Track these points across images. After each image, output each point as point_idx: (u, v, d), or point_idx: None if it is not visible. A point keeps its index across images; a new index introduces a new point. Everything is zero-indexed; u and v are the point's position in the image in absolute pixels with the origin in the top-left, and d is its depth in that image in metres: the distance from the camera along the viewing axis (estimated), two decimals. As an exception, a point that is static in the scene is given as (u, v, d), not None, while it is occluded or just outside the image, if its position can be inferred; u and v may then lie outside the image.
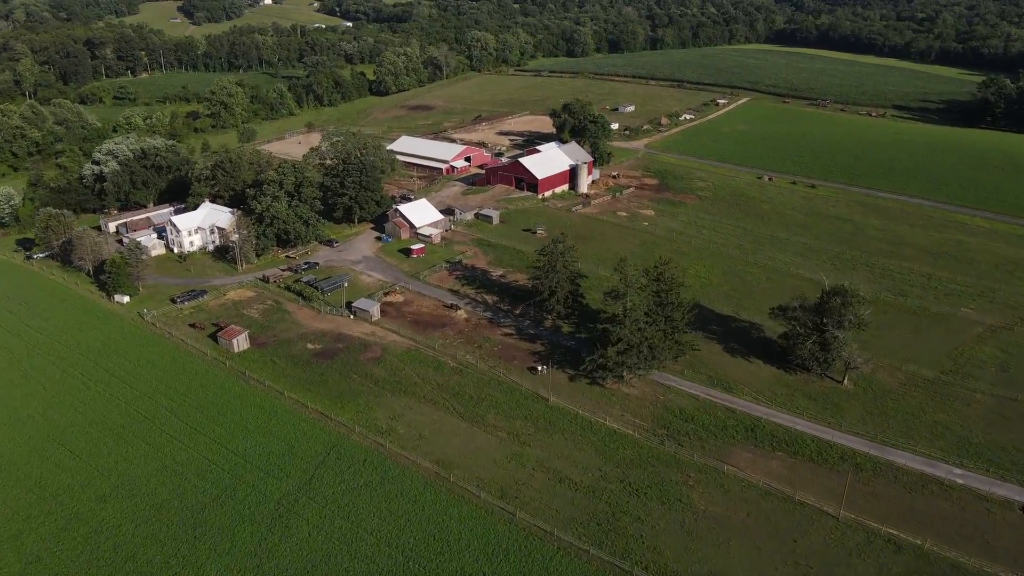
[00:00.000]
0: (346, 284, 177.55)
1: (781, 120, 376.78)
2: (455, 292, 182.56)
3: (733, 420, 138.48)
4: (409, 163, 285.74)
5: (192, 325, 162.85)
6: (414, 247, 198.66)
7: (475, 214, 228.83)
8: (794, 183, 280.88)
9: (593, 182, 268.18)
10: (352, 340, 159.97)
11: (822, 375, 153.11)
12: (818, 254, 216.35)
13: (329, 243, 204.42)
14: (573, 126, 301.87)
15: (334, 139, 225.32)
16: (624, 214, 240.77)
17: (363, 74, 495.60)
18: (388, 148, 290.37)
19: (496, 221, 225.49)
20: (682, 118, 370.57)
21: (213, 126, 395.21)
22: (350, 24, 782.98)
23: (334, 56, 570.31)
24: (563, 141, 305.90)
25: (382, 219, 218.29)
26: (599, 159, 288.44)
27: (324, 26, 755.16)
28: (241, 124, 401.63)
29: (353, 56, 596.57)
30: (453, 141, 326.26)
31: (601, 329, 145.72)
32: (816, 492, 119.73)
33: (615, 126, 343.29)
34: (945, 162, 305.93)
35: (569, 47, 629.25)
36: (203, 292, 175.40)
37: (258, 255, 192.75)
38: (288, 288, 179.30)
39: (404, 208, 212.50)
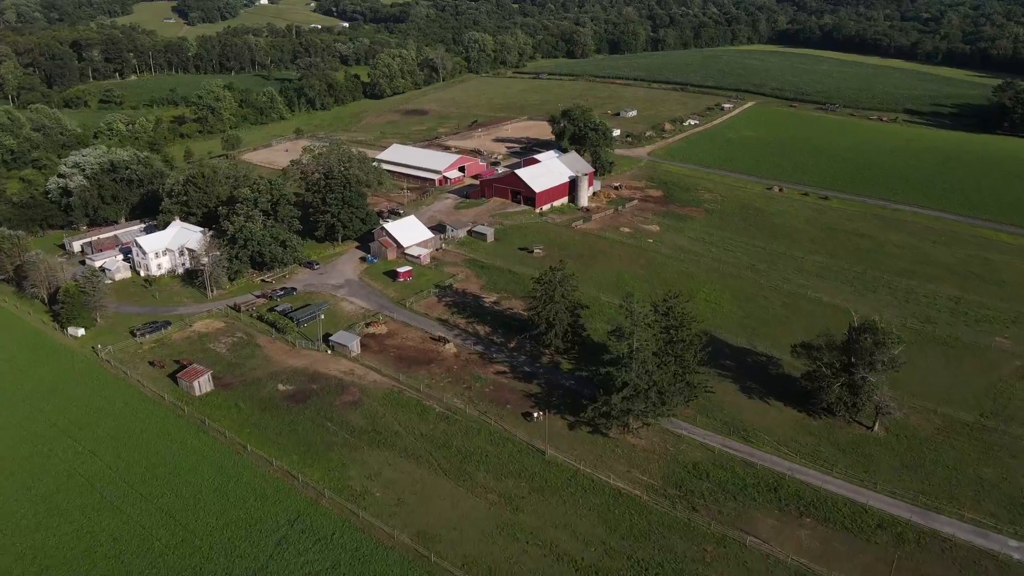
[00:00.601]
0: (321, 316, 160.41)
1: (789, 126, 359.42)
2: (444, 322, 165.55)
3: (753, 477, 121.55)
4: (400, 173, 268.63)
5: (152, 363, 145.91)
6: (400, 270, 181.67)
7: (468, 231, 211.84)
8: (805, 194, 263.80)
9: (594, 194, 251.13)
10: (328, 380, 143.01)
11: (850, 420, 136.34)
12: (836, 275, 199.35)
13: (310, 265, 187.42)
14: (573, 133, 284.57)
15: (316, 151, 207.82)
16: (627, 230, 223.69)
17: (357, 76, 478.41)
18: (378, 157, 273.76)
19: (490, 239, 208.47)
20: (687, 123, 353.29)
21: (200, 131, 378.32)
22: (347, 24, 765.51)
23: (329, 58, 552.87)
24: (562, 149, 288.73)
25: (368, 238, 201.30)
26: (600, 169, 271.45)
27: (320, 27, 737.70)
28: (229, 129, 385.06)
29: (348, 57, 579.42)
30: (447, 149, 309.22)
31: (605, 373, 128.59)
32: (854, 571, 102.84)
33: (617, 132, 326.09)
34: (964, 171, 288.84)
35: (569, 48, 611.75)
36: (166, 323, 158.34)
37: (231, 280, 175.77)
38: (261, 318, 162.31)
39: (391, 226, 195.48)
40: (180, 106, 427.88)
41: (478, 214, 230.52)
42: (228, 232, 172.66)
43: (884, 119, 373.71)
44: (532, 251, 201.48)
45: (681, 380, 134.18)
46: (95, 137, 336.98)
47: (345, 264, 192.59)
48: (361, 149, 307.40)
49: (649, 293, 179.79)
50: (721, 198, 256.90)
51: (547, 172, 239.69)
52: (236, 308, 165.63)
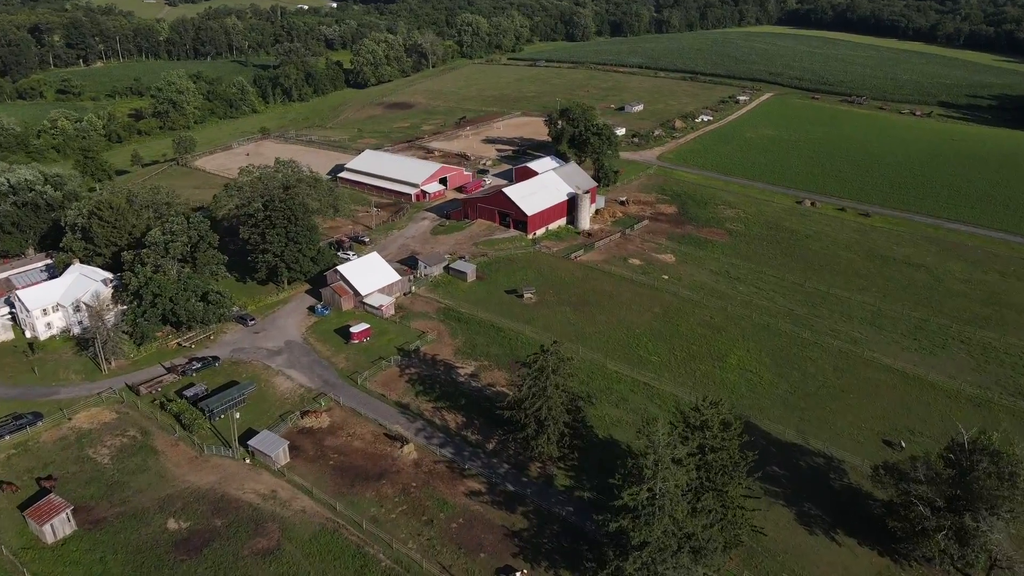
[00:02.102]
0: (245, 400, 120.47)
1: (814, 122, 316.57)
2: (404, 408, 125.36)
3: None
4: (371, 187, 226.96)
5: (0, 485, 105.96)
6: (355, 329, 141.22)
7: (445, 267, 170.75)
8: (842, 209, 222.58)
9: (597, 212, 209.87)
10: (239, 510, 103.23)
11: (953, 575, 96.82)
12: (892, 323, 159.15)
13: (243, 320, 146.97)
14: (572, 136, 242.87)
15: (255, 173, 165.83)
16: (637, 261, 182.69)
17: (339, 64, 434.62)
18: (348, 166, 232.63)
19: (471, 277, 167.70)
20: (699, 120, 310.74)
21: (160, 127, 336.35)
22: (335, 5, 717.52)
23: (313, 42, 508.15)
24: (559, 153, 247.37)
25: (322, 278, 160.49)
26: (604, 179, 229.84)
27: (307, 7, 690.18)
28: (193, 125, 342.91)
29: (334, 41, 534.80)
30: (430, 152, 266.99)
31: (615, 528, 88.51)
32: None
33: (622, 131, 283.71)
34: (1022, 179, 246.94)
35: (568, 31, 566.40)
36: (36, 417, 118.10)
37: (138, 344, 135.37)
38: (164, 405, 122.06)
39: (347, 269, 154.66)
40: (145, 97, 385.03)
41: (459, 242, 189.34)
42: (130, 287, 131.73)
43: (918, 113, 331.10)
44: (522, 295, 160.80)
45: (722, 521, 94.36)
46: (38, 136, 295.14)
47: (288, 317, 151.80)
48: (332, 152, 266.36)
49: (668, 358, 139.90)
50: (745, 216, 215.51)
51: (541, 189, 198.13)
52: (135, 390, 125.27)
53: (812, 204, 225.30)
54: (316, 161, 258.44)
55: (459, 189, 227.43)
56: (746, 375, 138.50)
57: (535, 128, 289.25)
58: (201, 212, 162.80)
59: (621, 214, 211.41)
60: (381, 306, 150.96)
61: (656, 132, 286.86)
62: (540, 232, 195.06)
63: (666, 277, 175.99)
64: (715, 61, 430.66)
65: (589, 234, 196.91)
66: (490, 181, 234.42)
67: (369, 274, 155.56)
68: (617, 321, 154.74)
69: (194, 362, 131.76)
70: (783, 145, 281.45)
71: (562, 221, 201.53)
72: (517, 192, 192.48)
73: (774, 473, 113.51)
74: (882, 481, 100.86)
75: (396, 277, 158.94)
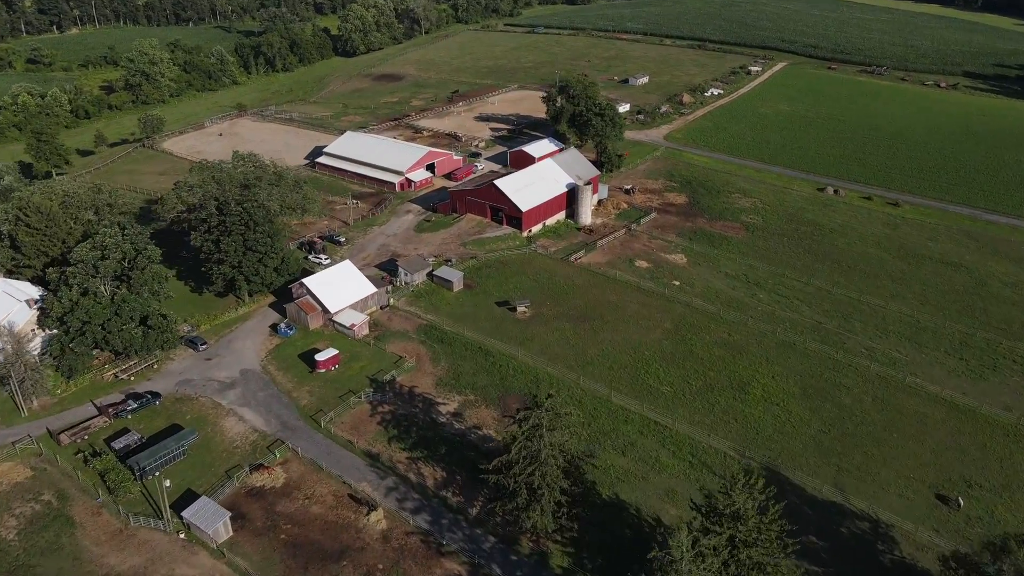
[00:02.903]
0: (185, 453, 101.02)
1: (832, 96, 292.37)
2: (374, 459, 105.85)
3: None
4: (351, 174, 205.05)
5: None
6: (321, 357, 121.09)
7: (428, 274, 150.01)
8: (869, 198, 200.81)
9: (599, 203, 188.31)
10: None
11: None
12: (934, 338, 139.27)
13: (193, 344, 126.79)
14: (572, 115, 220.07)
15: (210, 171, 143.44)
16: (644, 264, 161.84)
17: (327, 31, 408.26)
18: (327, 151, 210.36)
19: (458, 287, 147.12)
20: (708, 93, 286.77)
21: (133, 102, 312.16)
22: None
23: (300, 6, 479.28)
24: (558, 134, 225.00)
25: (288, 290, 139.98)
26: (607, 163, 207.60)
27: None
28: (169, 98, 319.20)
29: (323, 5, 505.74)
30: (418, 132, 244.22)
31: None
32: None
33: (626, 108, 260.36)
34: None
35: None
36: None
37: (68, 377, 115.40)
38: (88, 459, 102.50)
39: (314, 282, 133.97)
40: (121, 66, 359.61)
41: (445, 241, 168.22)
42: (52, 313, 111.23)
43: (943, 85, 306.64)
44: (515, 308, 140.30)
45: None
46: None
47: (247, 338, 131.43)
48: (313, 132, 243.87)
49: (682, 388, 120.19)
50: (762, 206, 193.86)
51: (538, 180, 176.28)
52: (56, 438, 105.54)
53: (835, 192, 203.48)
54: (295, 142, 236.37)
55: (448, 176, 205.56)
56: (772, 409, 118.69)
57: (532, 104, 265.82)
58: (151, 212, 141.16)
59: (626, 205, 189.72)
60: (353, 325, 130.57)
61: (663, 108, 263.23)
62: (536, 229, 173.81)
63: (677, 283, 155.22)
64: (724, 28, 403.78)
65: (591, 230, 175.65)
66: (482, 166, 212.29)
67: (340, 287, 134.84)
68: (623, 340, 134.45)
69: (130, 401, 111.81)
70: (800, 122, 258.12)
71: (561, 215, 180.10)
72: (510, 184, 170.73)
73: (812, 545, 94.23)
74: (949, 570, 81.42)
75: (371, 289, 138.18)
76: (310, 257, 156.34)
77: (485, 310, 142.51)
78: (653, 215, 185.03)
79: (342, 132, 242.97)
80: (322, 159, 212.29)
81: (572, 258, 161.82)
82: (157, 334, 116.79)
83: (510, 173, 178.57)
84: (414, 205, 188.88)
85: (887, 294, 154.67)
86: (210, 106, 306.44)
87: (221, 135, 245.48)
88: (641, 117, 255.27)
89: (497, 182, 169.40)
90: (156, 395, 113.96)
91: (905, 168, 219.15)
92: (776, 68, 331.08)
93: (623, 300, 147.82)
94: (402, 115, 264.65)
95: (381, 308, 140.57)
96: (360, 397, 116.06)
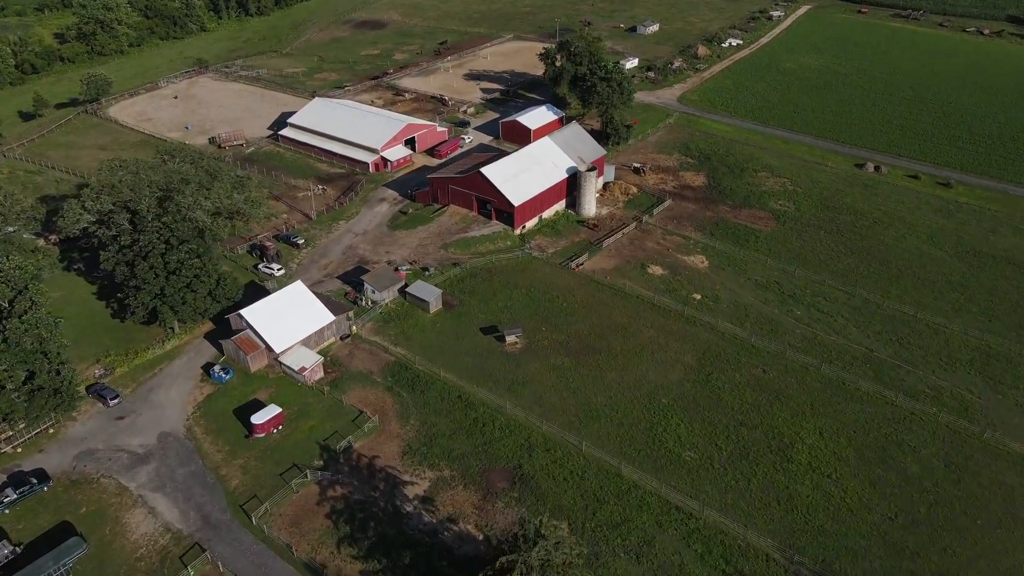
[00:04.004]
0: (68, 573, 76.63)
1: (864, 45, 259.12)
2: (319, 574, 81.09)
3: None
4: (318, 150, 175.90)
5: None
6: (259, 419, 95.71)
7: (400, 290, 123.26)
8: (915, 176, 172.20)
9: (605, 188, 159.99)
10: None
11: None
12: (1012, 371, 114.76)
13: (101, 396, 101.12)
14: (574, 76, 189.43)
15: (128, 169, 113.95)
16: (658, 270, 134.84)
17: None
18: (291, 122, 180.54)
19: (435, 307, 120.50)
20: (726, 44, 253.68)
21: (87, 53, 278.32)
22: None
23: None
24: (557, 99, 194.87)
25: (234, 309, 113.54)
26: (613, 135, 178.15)
27: None
28: (128, 48, 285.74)
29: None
30: (399, 95, 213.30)
31: None
32: None
33: (633, 63, 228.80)
34: None
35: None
36: None
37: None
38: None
39: (255, 314, 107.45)
40: (73, 12, 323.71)
41: (424, 240, 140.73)
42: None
43: (986, 32, 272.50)
44: (505, 336, 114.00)
45: None
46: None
47: (172, 386, 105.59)
48: (281, 94, 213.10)
49: (709, 452, 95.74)
50: (793, 189, 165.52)
51: (533, 164, 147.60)
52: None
53: (876, 169, 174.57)
54: (259, 108, 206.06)
55: (431, 151, 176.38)
56: (822, 484, 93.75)
57: (529, 59, 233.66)
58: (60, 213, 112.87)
59: (636, 190, 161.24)
60: (303, 369, 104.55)
61: (676, 64, 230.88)
62: (531, 224, 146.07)
63: (698, 297, 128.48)
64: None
65: (595, 224, 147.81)
66: (470, 139, 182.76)
67: (288, 317, 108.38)
68: (635, 382, 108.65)
69: (8, 490, 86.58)
70: (830, 79, 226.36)
71: (560, 205, 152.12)
72: (500, 172, 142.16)
73: None
74: None
75: (328, 318, 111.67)
76: (260, 267, 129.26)
77: (468, 339, 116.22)
78: (668, 203, 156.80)
79: (314, 94, 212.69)
80: (286, 131, 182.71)
81: (573, 264, 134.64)
82: (47, 396, 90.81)
83: (500, 156, 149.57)
84: (389, 191, 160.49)
85: (948, 307, 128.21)
86: (173, 57, 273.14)
87: (176, 98, 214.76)
88: (651, 75, 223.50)
89: (485, 170, 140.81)
90: (44, 478, 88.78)
91: (955, 137, 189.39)
92: (800, 12, 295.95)
93: (634, 322, 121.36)
94: (382, 73, 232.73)
95: (341, 339, 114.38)
96: (306, 476, 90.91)
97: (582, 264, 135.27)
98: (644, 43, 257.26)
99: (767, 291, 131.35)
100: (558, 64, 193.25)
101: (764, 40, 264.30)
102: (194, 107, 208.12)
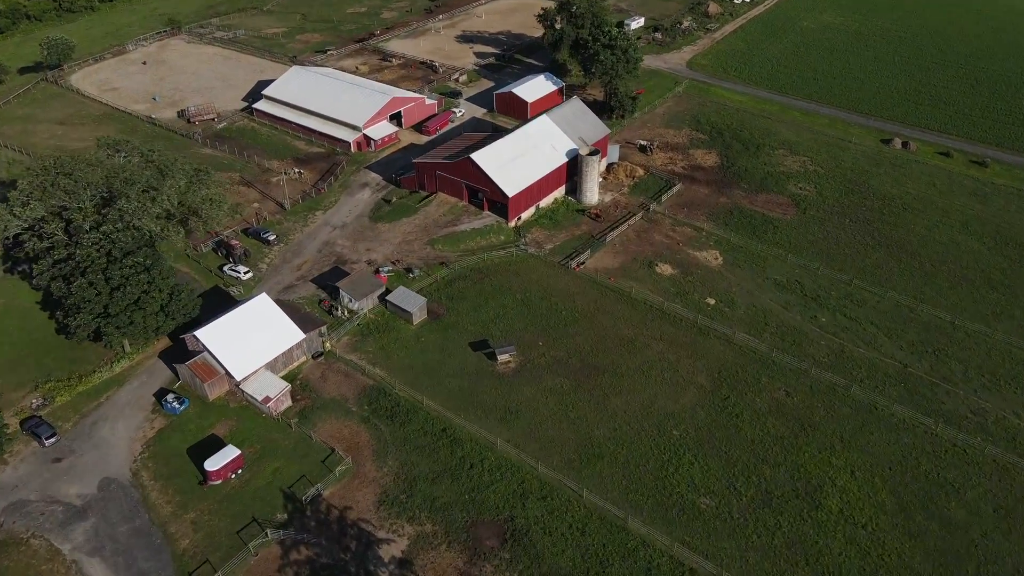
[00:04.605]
0: None
1: (887, 2, 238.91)
2: (276, 664, 69.51)
3: None
4: (297, 125, 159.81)
5: None
6: (213, 466, 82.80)
7: (380, 297, 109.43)
8: (947, 154, 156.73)
9: (609, 170, 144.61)
10: None
11: None
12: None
13: (35, 433, 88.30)
14: (575, 41, 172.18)
15: (52, 170, 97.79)
16: (667, 269, 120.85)
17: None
18: (266, 93, 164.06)
19: (419, 317, 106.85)
20: (738, 0, 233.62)
21: (56, 9, 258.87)
22: None
23: None
24: (556, 65, 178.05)
25: (190, 329, 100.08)
26: (617, 108, 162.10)
27: None
28: (99, 4, 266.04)
29: None
30: (386, 60, 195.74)
31: None
32: None
33: (639, 22, 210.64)
34: None
35: None
36: None
37: None
38: None
39: (212, 336, 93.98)
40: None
41: (408, 235, 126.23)
42: None
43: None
44: (497, 354, 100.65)
45: None
46: None
47: (119, 420, 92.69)
48: (259, 59, 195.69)
49: (727, 499, 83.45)
50: (815, 169, 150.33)
51: (530, 148, 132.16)
52: None
53: (904, 145, 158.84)
54: (234, 75, 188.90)
55: (419, 127, 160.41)
56: (857, 537, 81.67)
57: (527, 17, 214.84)
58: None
59: (642, 172, 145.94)
60: (268, 399, 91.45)
61: (685, 24, 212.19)
62: (527, 214, 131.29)
63: (712, 301, 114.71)
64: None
65: (597, 214, 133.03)
66: (462, 112, 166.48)
67: (252, 337, 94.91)
68: (642, 409, 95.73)
69: (-81, 560, 74.39)
70: (852, 41, 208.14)
71: (559, 192, 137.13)
72: (493, 158, 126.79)
73: None
74: None
75: (297, 336, 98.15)
76: (226, 268, 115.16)
77: (455, 357, 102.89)
78: (677, 187, 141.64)
79: (293, 59, 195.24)
80: (261, 104, 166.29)
81: (573, 263, 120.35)
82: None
83: (492, 138, 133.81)
84: (372, 175, 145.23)
85: (988, 311, 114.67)
86: (147, 14, 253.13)
87: (145, 64, 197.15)
88: (658, 36, 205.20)
89: (476, 156, 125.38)
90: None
91: (989, 108, 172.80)
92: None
93: (641, 334, 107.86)
94: (368, 34, 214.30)
95: (313, 358, 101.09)
96: (267, 534, 78.53)
97: (583, 263, 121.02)
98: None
99: (788, 293, 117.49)
100: (558, 27, 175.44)
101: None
102: (164, 74, 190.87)
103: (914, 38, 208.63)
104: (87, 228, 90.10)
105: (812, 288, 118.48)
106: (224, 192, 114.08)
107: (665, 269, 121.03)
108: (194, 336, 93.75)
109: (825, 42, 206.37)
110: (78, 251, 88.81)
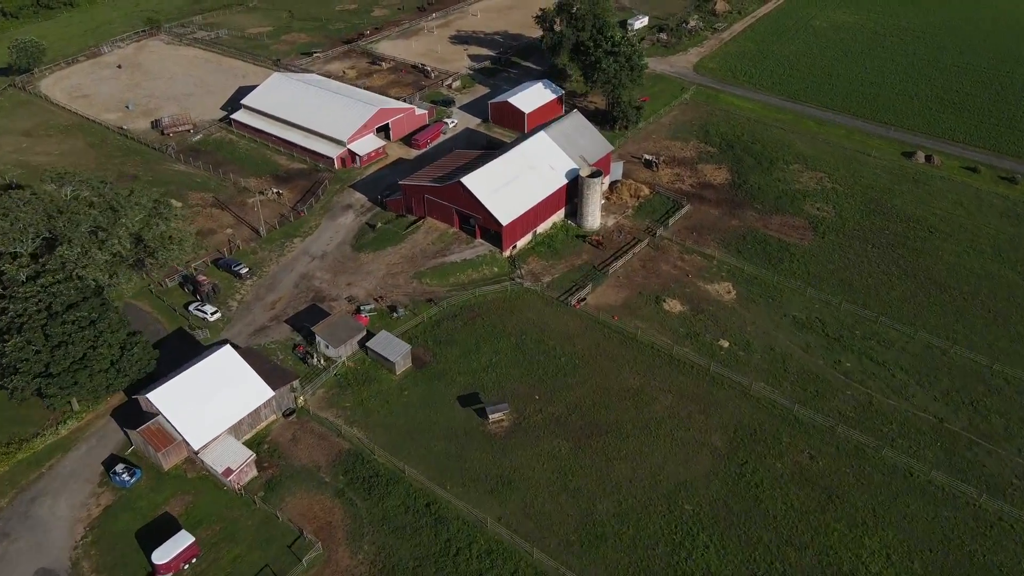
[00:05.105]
0: None
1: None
2: None
3: None
4: (277, 138, 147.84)
5: None
6: (161, 557, 72.00)
7: (360, 343, 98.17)
8: (974, 169, 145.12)
9: (612, 189, 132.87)
10: None
11: None
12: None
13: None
14: (575, 45, 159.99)
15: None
16: (676, 305, 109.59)
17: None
18: (245, 103, 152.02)
19: (402, 367, 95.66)
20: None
21: (34, 5, 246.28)
22: None
23: None
24: (555, 71, 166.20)
25: (149, 385, 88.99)
26: (620, 119, 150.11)
27: None
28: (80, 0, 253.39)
29: None
30: (375, 63, 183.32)
31: None
32: None
33: (643, 22, 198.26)
34: None
35: None
36: None
37: None
38: None
39: (166, 398, 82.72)
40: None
41: (393, 267, 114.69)
42: None
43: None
44: (489, 414, 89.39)
45: None
46: None
47: (60, 495, 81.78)
48: (242, 62, 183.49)
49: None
50: (832, 186, 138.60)
51: (526, 169, 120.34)
52: None
53: (928, 159, 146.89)
54: (214, 81, 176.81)
55: (408, 140, 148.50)
56: (895, 637, 70.52)
57: (525, 15, 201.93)
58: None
59: (647, 191, 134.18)
60: (229, 470, 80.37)
61: (691, 23, 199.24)
62: (524, 241, 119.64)
63: (725, 344, 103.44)
64: None
65: (599, 241, 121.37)
66: (455, 122, 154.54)
67: (213, 398, 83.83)
68: (650, 477, 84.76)
69: None
70: (866, 41, 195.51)
71: (559, 216, 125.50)
72: (486, 182, 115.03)
73: None
74: None
75: (265, 393, 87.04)
76: (192, 308, 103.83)
77: (442, 414, 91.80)
78: (686, 208, 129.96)
79: (277, 63, 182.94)
80: (240, 115, 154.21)
81: (573, 300, 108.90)
82: None
83: (485, 160, 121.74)
84: (357, 195, 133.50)
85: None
86: (129, 9, 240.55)
87: (120, 67, 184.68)
88: (663, 37, 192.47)
89: (467, 180, 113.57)
90: None
91: (1018, 119, 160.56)
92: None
93: (648, 384, 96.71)
94: (357, 35, 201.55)
95: (284, 416, 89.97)
96: (220, 645, 67.70)
97: (584, 298, 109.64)
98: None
99: (808, 332, 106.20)
100: (557, 32, 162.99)
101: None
102: (139, 79, 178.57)
103: (933, 38, 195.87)
104: (22, 279, 78.75)
105: (834, 326, 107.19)
106: (188, 227, 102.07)
107: (674, 305, 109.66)
108: (146, 398, 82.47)
109: (839, 43, 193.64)
110: (11, 306, 77.45)
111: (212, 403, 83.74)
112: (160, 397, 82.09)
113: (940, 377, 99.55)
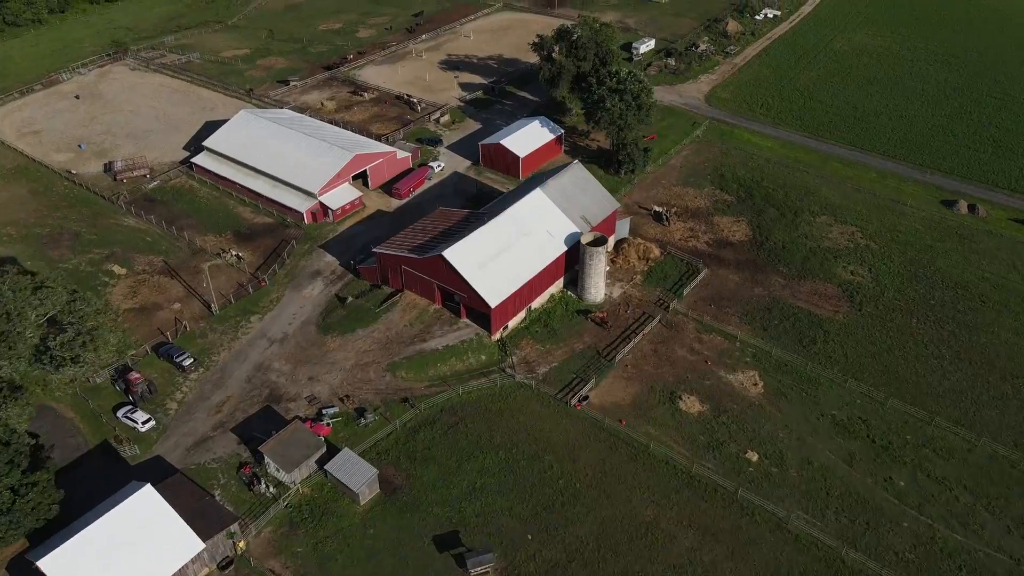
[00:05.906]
0: None
1: (938, 19, 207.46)
2: None
3: None
4: (240, 187, 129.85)
5: None
6: None
7: (318, 462, 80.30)
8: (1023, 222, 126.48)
9: (618, 248, 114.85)
10: None
11: None
12: None
13: None
14: (576, 77, 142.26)
15: None
16: (695, 404, 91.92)
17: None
18: (207, 145, 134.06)
19: (368, 496, 77.75)
20: (761, 16, 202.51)
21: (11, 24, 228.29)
22: None
23: None
24: (554, 105, 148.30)
25: (49, 536, 71.12)
26: (625, 164, 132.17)
27: None
28: (47, 16, 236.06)
29: None
30: (357, 93, 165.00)
31: None
32: None
33: (649, 45, 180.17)
34: None
35: None
36: None
37: None
38: None
39: (63, 565, 64.60)
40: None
41: (364, 356, 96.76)
42: None
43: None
44: (469, 569, 71.47)
45: None
46: None
47: None
48: (212, 92, 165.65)
49: None
50: (865, 244, 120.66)
51: (520, 236, 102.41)
52: None
53: (971, 209, 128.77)
54: (179, 114, 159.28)
55: (388, 187, 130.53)
56: None
57: (522, 37, 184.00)
58: None
59: (658, 251, 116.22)
60: (141, 659, 62.51)
61: (701, 47, 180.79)
62: (516, 320, 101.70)
63: (754, 457, 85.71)
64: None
65: (603, 319, 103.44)
66: (441, 166, 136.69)
67: (123, 558, 66.10)
68: (670, 656, 66.81)
69: None
70: (892, 66, 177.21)
71: (557, 287, 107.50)
72: (471, 255, 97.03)
73: None
74: None
75: (195, 546, 69.38)
76: (120, 415, 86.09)
77: (414, 563, 74.13)
78: (703, 273, 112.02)
79: (250, 92, 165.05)
80: (201, 158, 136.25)
81: (573, 399, 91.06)
82: None
83: (471, 225, 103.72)
84: (328, 258, 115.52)
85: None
86: (101, 28, 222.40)
87: (78, 98, 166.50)
88: (671, 62, 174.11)
89: (449, 254, 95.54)
90: None
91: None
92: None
93: (664, 515, 79.00)
94: (340, 59, 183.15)
95: (220, 568, 72.18)
96: None
97: (587, 396, 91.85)
98: (660, 14, 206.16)
99: (851, 438, 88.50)
100: (555, 63, 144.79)
101: (806, 9, 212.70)
102: (97, 112, 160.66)
103: (964, 64, 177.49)
104: None
105: (881, 430, 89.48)
106: (114, 320, 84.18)
107: (692, 404, 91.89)
108: (38, 567, 64.70)
109: (862, 69, 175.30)
110: None
111: (123, 565, 66.02)
112: (53, 565, 64.30)
113: (1012, 499, 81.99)
